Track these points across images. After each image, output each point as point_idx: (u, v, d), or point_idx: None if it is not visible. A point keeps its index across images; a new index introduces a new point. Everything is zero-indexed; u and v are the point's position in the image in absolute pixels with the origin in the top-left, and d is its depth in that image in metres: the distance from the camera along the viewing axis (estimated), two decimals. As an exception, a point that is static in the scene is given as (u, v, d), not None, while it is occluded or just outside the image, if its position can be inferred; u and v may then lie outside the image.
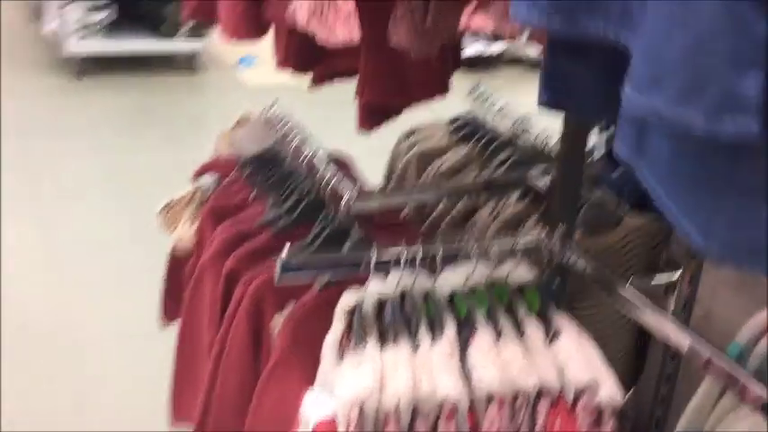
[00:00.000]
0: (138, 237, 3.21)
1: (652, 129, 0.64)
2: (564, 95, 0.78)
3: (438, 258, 1.21)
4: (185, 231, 1.77)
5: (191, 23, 5.37)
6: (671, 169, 0.61)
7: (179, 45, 5.41)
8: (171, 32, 5.31)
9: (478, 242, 1.22)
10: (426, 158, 1.91)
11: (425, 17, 1.02)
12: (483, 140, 1.85)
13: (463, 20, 1.00)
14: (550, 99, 0.78)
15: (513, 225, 1.66)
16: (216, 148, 1.83)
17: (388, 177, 2.01)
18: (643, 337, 1.61)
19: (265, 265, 1.46)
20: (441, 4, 1.03)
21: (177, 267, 1.84)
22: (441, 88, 1.21)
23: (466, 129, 1.92)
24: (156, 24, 5.32)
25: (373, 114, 1.25)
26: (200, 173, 1.84)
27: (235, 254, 1.52)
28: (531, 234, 1.56)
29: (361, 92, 1.18)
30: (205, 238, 1.67)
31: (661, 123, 0.52)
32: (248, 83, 5.47)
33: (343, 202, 1.46)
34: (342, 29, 0.91)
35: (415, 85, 1.19)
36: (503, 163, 1.79)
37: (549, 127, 1.84)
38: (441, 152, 1.92)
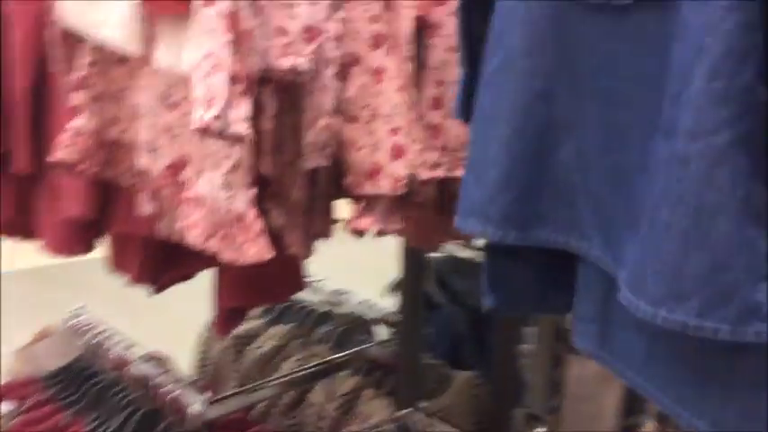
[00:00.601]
0: None
1: (620, 325, 0.70)
2: (509, 298, 0.82)
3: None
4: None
5: None
6: (650, 363, 0.66)
7: None
8: None
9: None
10: (241, 343, 1.85)
11: (312, 223, 1.03)
12: (298, 317, 1.85)
13: (351, 221, 1.03)
14: (498, 303, 0.82)
15: (350, 402, 1.65)
16: (11, 369, 1.62)
17: (202, 366, 1.90)
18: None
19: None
20: (323, 207, 1.04)
21: None
22: (299, 284, 1.20)
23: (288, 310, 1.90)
24: None
25: (232, 318, 1.21)
26: (-9, 401, 1.60)
27: (64, 492, 1.32)
28: (380, 410, 1.57)
29: (223, 298, 1.14)
30: (13, 478, 1.44)
31: (684, 333, 0.57)
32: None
33: (190, 412, 1.36)
34: (253, 249, 0.88)
35: (276, 285, 1.17)
36: (324, 337, 1.79)
37: (365, 296, 1.89)
38: (255, 335, 1.87)
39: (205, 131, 0.81)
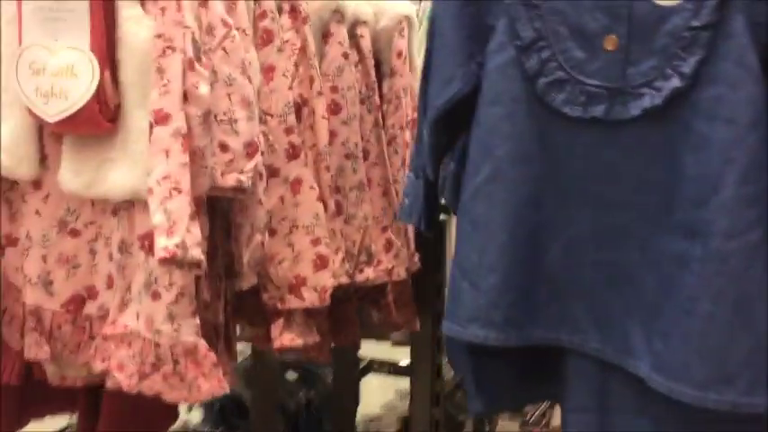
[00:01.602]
0: None
1: (618, 411, 0.74)
2: (496, 398, 0.81)
3: None
4: None
5: None
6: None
7: None
8: None
9: None
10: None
11: (230, 345, 0.94)
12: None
13: (274, 340, 0.96)
14: (486, 406, 0.81)
15: None
16: None
17: None
18: None
19: None
20: (234, 328, 0.96)
21: None
22: (176, 415, 1.08)
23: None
24: None
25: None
26: None
27: None
28: None
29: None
30: None
31: (732, 411, 0.63)
32: None
33: None
34: (208, 384, 0.77)
35: (156, 419, 1.04)
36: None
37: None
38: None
39: (170, 261, 0.72)
